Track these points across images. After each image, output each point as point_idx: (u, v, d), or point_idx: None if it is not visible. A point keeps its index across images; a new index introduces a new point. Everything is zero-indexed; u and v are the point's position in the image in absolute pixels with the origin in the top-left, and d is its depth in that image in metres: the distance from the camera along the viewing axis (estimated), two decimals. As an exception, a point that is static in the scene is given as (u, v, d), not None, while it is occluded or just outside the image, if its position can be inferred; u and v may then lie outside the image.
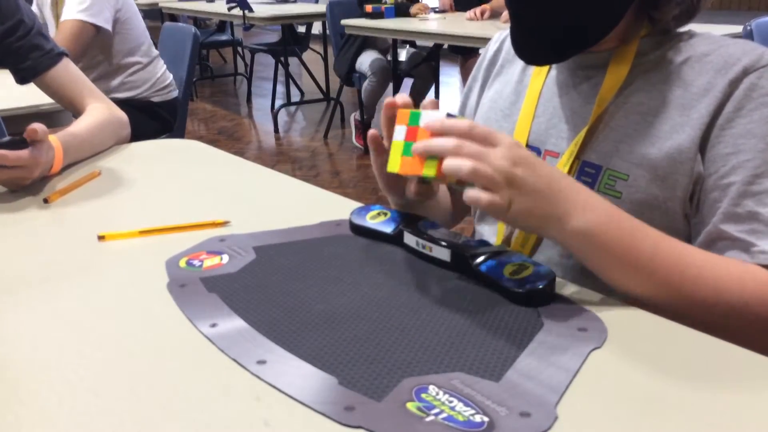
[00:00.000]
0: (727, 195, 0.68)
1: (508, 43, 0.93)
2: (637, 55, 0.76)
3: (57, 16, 2.26)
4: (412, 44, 4.12)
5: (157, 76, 2.39)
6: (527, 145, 0.83)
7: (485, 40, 3.21)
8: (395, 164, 0.64)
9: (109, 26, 2.20)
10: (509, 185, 0.58)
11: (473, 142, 0.58)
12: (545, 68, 0.85)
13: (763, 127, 0.68)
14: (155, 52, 2.41)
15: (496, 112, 0.89)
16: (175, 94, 2.47)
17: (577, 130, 0.78)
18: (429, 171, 0.60)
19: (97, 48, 2.26)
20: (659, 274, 0.61)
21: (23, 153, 0.91)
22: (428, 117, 0.62)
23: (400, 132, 0.64)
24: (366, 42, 3.82)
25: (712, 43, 0.75)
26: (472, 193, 0.58)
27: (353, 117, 4.08)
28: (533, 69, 0.87)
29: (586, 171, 0.76)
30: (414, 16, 3.71)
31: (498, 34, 0.96)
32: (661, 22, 0.75)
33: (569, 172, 0.77)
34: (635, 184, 0.73)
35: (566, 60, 0.79)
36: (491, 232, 0.87)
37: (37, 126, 0.92)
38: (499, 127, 0.87)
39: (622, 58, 0.76)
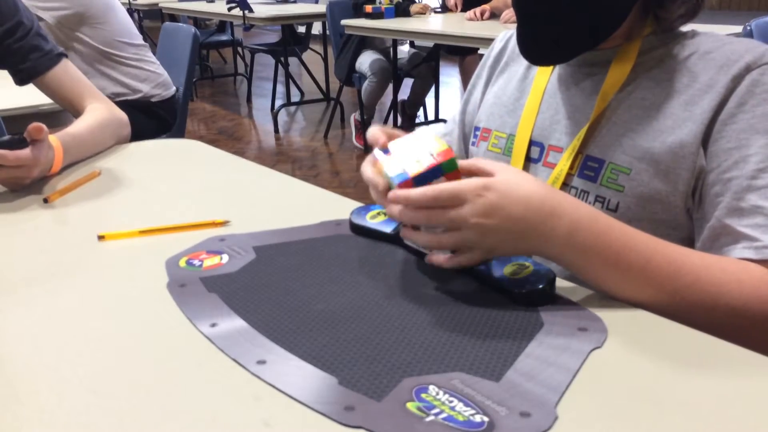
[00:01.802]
0: (730, 189, 0.68)
1: (513, 41, 0.94)
2: (640, 53, 0.77)
3: None
4: (411, 44, 4.12)
5: (152, 73, 2.39)
6: (531, 141, 0.83)
7: (485, 40, 3.20)
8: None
9: (49, 18, 2.21)
10: (483, 236, 0.60)
11: (443, 206, 0.60)
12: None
13: (766, 122, 0.68)
14: (147, 48, 2.40)
15: (499, 108, 0.89)
16: (172, 92, 2.46)
17: (581, 125, 0.78)
18: None
19: (66, 37, 2.27)
20: (653, 284, 0.60)
21: (23, 153, 0.91)
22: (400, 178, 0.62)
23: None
24: (364, 43, 3.82)
25: (715, 41, 0.75)
26: (440, 260, 0.64)
27: (353, 117, 4.08)
28: (538, 66, 0.87)
29: (588, 165, 0.77)
30: (413, 15, 3.71)
31: (503, 33, 0.97)
32: (666, 21, 0.76)
33: (572, 166, 0.78)
34: (638, 177, 0.73)
35: (571, 60, 0.79)
36: None
37: (40, 125, 0.92)
38: (502, 123, 0.88)
39: (626, 56, 0.77)
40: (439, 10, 4.18)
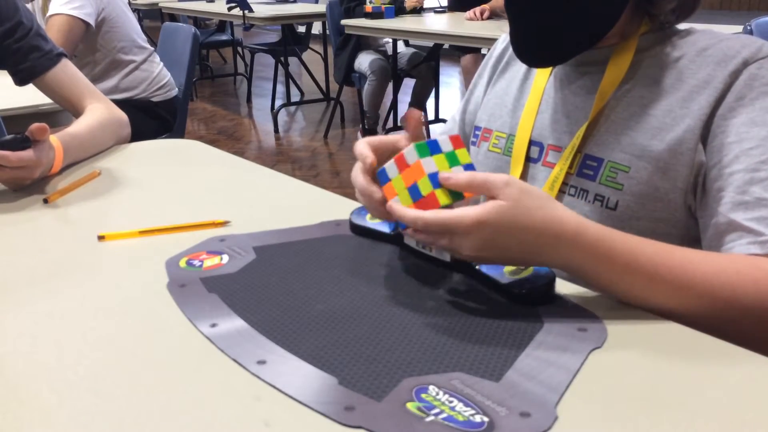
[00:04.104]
0: (732, 183, 0.67)
1: None
2: (637, 51, 0.77)
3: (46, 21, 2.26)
4: (406, 42, 4.11)
5: (155, 74, 2.38)
6: (530, 141, 0.83)
7: (485, 40, 3.20)
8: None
9: (92, 22, 2.19)
10: (479, 259, 0.60)
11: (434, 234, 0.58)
12: None
13: (765, 115, 0.68)
14: (150, 49, 2.40)
15: (500, 108, 0.90)
16: (174, 93, 2.47)
17: (579, 124, 0.78)
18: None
19: (86, 47, 2.26)
20: (661, 296, 0.59)
21: (25, 154, 0.91)
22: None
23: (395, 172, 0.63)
24: (360, 44, 3.82)
25: (711, 38, 0.75)
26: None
27: (359, 133, 4.07)
28: (534, 68, 0.87)
29: (587, 164, 0.77)
30: (408, 10, 3.72)
31: (506, 34, 0.97)
32: (658, 17, 0.76)
33: (571, 165, 0.78)
34: (636, 176, 0.73)
35: (567, 61, 0.79)
36: None
37: (43, 125, 0.92)
38: (503, 123, 0.88)
39: (623, 54, 0.77)
40: (440, 9, 4.19)
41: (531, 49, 0.78)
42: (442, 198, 0.59)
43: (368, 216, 0.79)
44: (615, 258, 0.59)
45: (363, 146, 0.67)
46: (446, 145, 0.61)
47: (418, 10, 3.87)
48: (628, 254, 0.59)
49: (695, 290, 0.59)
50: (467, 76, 4.11)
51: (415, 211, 0.58)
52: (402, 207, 0.60)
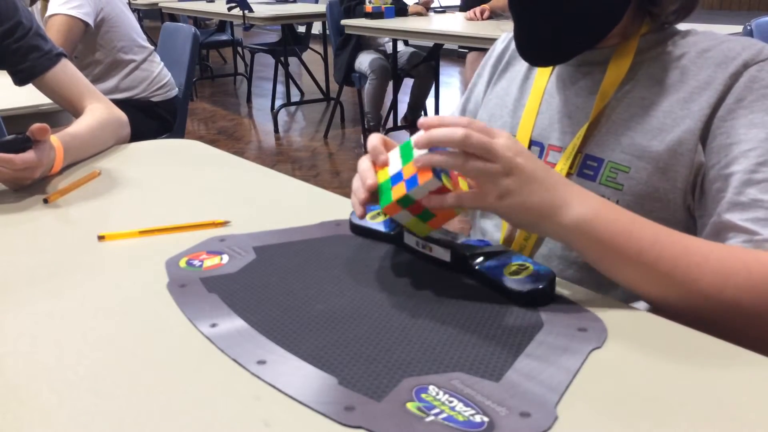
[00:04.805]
0: (730, 184, 0.68)
1: None
2: (638, 52, 0.77)
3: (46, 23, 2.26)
4: (405, 42, 4.11)
5: (155, 74, 2.38)
6: (531, 141, 0.83)
7: (485, 40, 3.20)
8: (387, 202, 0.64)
9: (91, 21, 2.19)
10: (509, 175, 0.59)
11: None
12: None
13: (765, 117, 0.68)
14: (150, 48, 2.40)
15: (501, 109, 0.90)
16: (174, 93, 2.46)
17: (580, 125, 0.79)
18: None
19: (87, 47, 2.26)
20: (662, 263, 0.59)
21: (29, 156, 0.91)
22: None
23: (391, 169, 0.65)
24: (360, 44, 3.82)
25: (712, 39, 0.75)
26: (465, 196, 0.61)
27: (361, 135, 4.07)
28: (536, 67, 0.87)
29: (588, 164, 0.77)
30: (410, 14, 3.72)
31: (505, 34, 0.97)
32: (659, 17, 0.76)
33: (572, 165, 0.78)
34: (636, 176, 0.73)
35: (569, 60, 0.79)
36: (495, 228, 0.88)
37: (44, 126, 0.92)
38: (503, 123, 0.88)
39: (624, 54, 0.77)
40: (440, 9, 4.19)
41: (533, 47, 0.78)
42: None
43: (368, 216, 0.79)
44: (620, 218, 0.61)
45: (376, 141, 0.69)
46: None
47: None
48: (630, 222, 0.61)
49: (690, 259, 0.60)
50: (471, 72, 4.12)
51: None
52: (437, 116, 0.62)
